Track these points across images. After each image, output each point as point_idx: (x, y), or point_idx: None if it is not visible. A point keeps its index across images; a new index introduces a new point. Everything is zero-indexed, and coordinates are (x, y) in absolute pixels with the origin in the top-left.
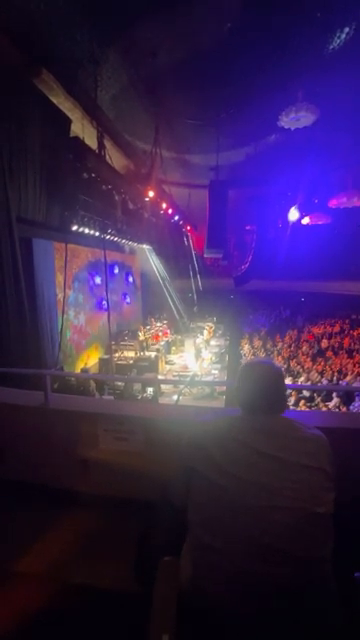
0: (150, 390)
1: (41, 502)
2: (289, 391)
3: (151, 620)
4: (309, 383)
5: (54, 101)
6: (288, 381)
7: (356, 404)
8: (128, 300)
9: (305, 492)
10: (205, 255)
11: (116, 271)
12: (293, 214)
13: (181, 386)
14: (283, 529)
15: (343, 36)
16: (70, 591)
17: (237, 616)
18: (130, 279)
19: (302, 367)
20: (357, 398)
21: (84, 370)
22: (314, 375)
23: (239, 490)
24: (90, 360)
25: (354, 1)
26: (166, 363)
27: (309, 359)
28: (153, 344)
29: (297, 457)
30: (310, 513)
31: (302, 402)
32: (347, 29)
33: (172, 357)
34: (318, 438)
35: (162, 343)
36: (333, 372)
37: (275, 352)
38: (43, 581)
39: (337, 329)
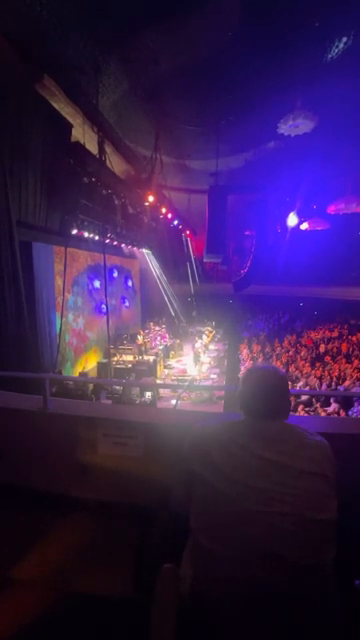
0: (148, 394)
1: (40, 507)
2: (290, 397)
3: (151, 627)
4: (307, 388)
5: (55, 106)
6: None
7: (355, 409)
8: (127, 304)
9: (306, 498)
10: (204, 260)
11: (115, 275)
12: (292, 219)
13: (180, 390)
14: (284, 535)
15: (341, 45)
16: (69, 598)
17: (238, 622)
18: (129, 283)
19: (301, 372)
20: (356, 403)
21: (83, 374)
22: (313, 380)
23: (240, 495)
24: (89, 364)
25: (352, 11)
26: (165, 367)
27: (308, 364)
28: (152, 348)
29: (299, 463)
30: (311, 519)
31: (300, 407)
32: (345, 39)
33: (171, 361)
34: (320, 444)
35: (161, 347)
36: (332, 377)
37: (274, 357)
38: (41, 588)
39: (336, 334)
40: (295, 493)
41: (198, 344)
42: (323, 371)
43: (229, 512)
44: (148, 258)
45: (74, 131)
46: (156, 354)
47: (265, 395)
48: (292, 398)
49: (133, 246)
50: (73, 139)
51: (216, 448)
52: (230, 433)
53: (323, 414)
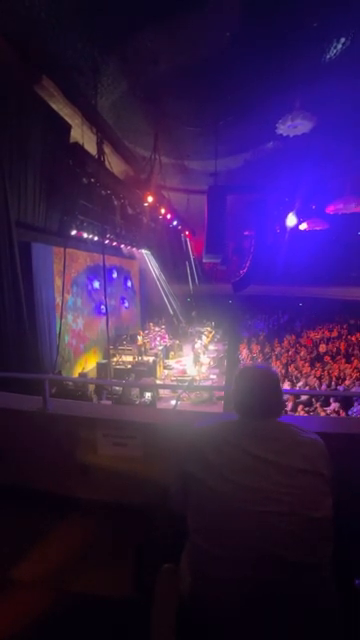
0: (148, 395)
1: (39, 508)
2: (287, 396)
3: (151, 628)
4: (307, 388)
5: (54, 107)
6: (286, 386)
7: (354, 409)
8: (126, 304)
9: (302, 497)
10: (204, 260)
11: (114, 275)
12: (291, 220)
13: (179, 391)
14: (280, 534)
15: (340, 46)
16: (69, 598)
17: (237, 623)
18: (128, 283)
19: (300, 372)
20: (356, 403)
21: (82, 375)
22: (312, 380)
23: (236, 495)
24: (88, 365)
25: (350, 12)
26: (164, 368)
27: (307, 364)
28: (151, 349)
29: (293, 461)
30: (307, 518)
31: (300, 407)
32: (343, 39)
33: (170, 362)
34: (314, 442)
35: (160, 348)
36: (331, 377)
37: (273, 357)
38: (41, 588)
39: (335, 334)
40: (291, 492)
41: (198, 344)
42: (323, 371)
43: (225, 512)
44: (147, 258)
45: (73, 132)
46: (156, 355)
47: (258, 394)
48: (292, 398)
49: (132, 246)
50: (72, 140)
51: (211, 448)
52: (224, 433)
53: (323, 414)
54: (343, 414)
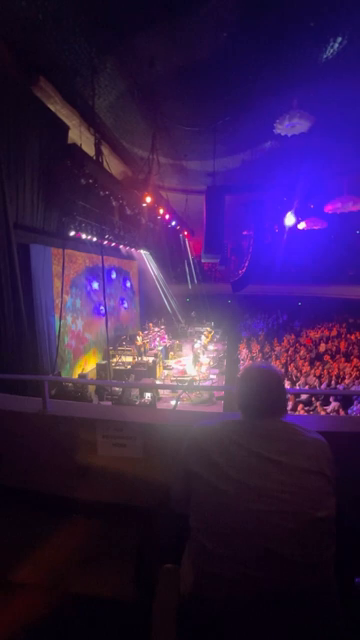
0: (148, 395)
1: (39, 509)
2: (287, 395)
3: (152, 628)
4: (307, 387)
5: (52, 108)
6: (286, 385)
7: (354, 408)
8: (126, 305)
9: (305, 496)
10: (202, 260)
11: (113, 276)
12: (289, 219)
13: (179, 391)
14: (284, 534)
15: (336, 46)
16: (70, 599)
17: (238, 622)
18: (127, 284)
19: (300, 371)
20: (355, 402)
21: (82, 376)
22: (312, 379)
23: (240, 494)
24: (88, 365)
25: (346, 12)
26: (164, 368)
27: (307, 363)
28: (151, 349)
29: (297, 461)
30: (311, 518)
31: (300, 406)
32: (340, 39)
33: (170, 362)
34: (318, 442)
35: (160, 348)
36: (331, 376)
37: (273, 356)
38: (42, 589)
39: (334, 333)
40: (294, 491)
41: (197, 345)
42: (322, 370)
43: (229, 511)
44: (146, 259)
45: (71, 133)
46: (155, 355)
47: (262, 393)
48: (292, 397)
49: (131, 247)
50: (70, 141)
51: (215, 447)
52: (228, 432)
53: (323, 413)
54: (343, 413)
